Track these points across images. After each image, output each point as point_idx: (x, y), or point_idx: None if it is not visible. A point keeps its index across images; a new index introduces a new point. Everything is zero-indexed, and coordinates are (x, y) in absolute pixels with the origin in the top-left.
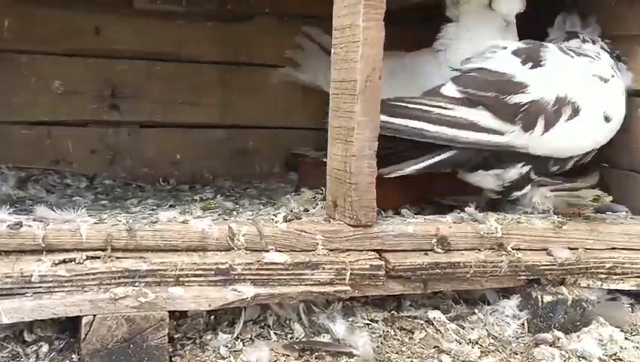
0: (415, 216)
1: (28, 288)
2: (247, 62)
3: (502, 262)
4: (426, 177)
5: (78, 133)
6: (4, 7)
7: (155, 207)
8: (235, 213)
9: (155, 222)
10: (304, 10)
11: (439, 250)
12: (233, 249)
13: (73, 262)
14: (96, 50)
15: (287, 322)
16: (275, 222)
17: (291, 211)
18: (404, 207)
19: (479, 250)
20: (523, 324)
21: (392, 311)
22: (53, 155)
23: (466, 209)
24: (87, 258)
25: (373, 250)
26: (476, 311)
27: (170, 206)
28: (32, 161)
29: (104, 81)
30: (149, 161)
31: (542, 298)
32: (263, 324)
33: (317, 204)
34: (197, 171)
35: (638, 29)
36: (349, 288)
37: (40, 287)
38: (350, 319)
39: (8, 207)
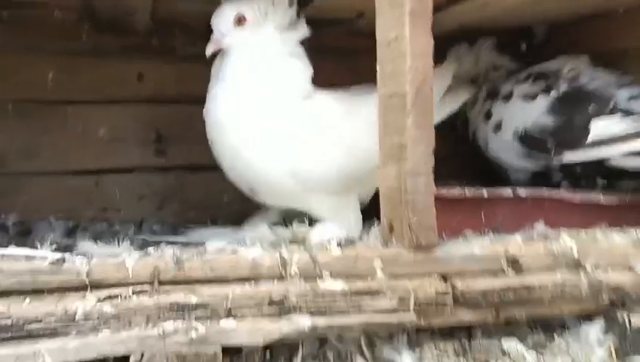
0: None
1: (72, 326)
2: None
3: (581, 282)
4: (489, 202)
5: (125, 180)
6: (48, 59)
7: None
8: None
9: (203, 253)
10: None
11: (510, 272)
12: (286, 278)
13: (119, 298)
14: (139, 97)
15: (349, 355)
16: (329, 249)
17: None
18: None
19: (554, 270)
20: (609, 350)
21: (463, 341)
22: (100, 203)
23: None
24: (134, 292)
25: (437, 274)
26: (555, 337)
27: None
28: (79, 209)
29: (149, 127)
30: (196, 204)
31: (629, 320)
32: (322, 359)
33: (370, 231)
34: (244, 212)
35: None
36: (414, 316)
37: (84, 325)
38: (417, 350)
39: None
